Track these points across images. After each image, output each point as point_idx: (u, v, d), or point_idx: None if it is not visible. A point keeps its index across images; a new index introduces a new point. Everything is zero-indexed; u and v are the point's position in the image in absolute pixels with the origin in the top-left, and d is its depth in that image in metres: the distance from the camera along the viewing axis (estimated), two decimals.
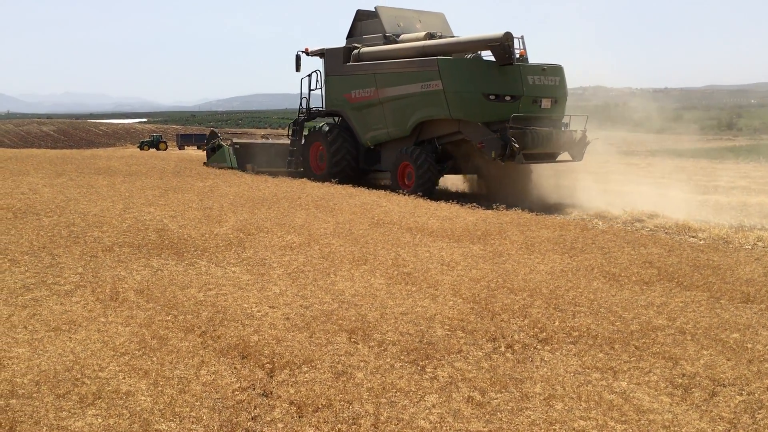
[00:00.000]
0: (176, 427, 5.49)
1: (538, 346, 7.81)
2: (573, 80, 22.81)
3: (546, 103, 21.04)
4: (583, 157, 22.01)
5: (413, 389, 6.43)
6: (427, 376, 6.79)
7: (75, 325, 7.79)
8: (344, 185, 22.42)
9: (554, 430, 5.61)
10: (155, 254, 11.68)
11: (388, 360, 7.17)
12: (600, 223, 17.97)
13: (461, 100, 20.66)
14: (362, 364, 6.99)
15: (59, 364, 6.49)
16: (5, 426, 5.40)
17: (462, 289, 9.83)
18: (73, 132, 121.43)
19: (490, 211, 17.67)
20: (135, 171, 25.85)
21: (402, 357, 7.29)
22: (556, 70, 21.65)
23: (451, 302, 9.19)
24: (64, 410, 5.66)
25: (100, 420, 5.48)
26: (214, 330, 7.84)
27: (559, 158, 22.08)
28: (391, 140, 22.85)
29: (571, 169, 23.55)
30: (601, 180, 24.65)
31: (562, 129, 21.59)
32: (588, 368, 7.10)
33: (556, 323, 8.44)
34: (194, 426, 5.59)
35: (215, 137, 31.12)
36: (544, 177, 23.40)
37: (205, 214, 15.52)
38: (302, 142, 25.89)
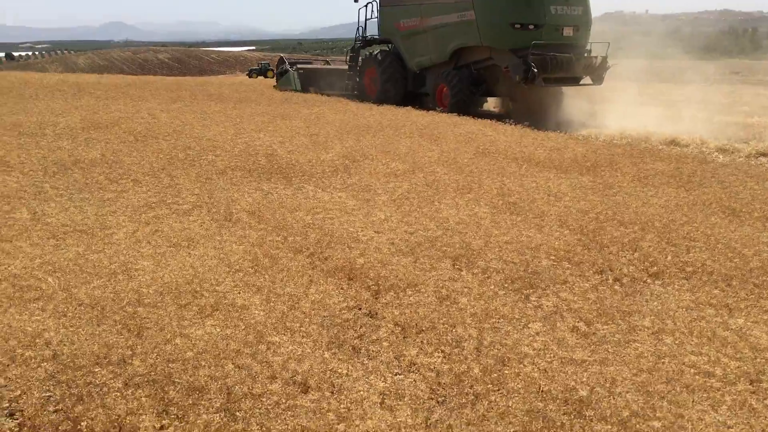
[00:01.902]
0: (287, 340, 5.76)
1: (648, 280, 7.59)
2: (610, 5, 24.46)
3: (568, 31, 22.48)
4: (603, 81, 23.40)
5: (517, 316, 6.43)
6: (531, 305, 6.76)
7: (193, 242, 8.22)
8: (449, 115, 22.19)
9: (663, 363, 5.49)
10: (265, 178, 12.06)
11: (492, 287, 7.18)
12: (720, 156, 16.99)
13: (491, 28, 22.63)
14: (466, 290, 7.04)
15: (180, 278, 6.90)
16: (134, 331, 5.84)
17: (569, 220, 9.62)
18: (186, 59, 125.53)
19: (600, 142, 17.06)
20: (245, 98, 26.55)
21: (506, 285, 7.28)
22: (579, 0, 22.91)
23: (558, 233, 9.03)
24: (186, 319, 6.04)
25: (218, 330, 5.82)
26: (322, 252, 8.07)
27: (582, 82, 23.77)
28: (434, 65, 25.11)
29: (610, 95, 23.94)
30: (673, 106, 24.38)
31: (584, 55, 23.31)
32: (701, 304, 6.85)
33: (669, 258, 8.15)
34: (304, 340, 5.84)
35: (283, 63, 33.77)
36: (583, 101, 23.77)
37: (312, 140, 15.80)
38: (358, 68, 28.92)
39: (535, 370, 5.32)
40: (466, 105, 23.41)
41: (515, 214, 10.03)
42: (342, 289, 7.07)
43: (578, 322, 6.32)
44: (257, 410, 4.72)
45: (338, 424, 4.58)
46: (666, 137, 19.29)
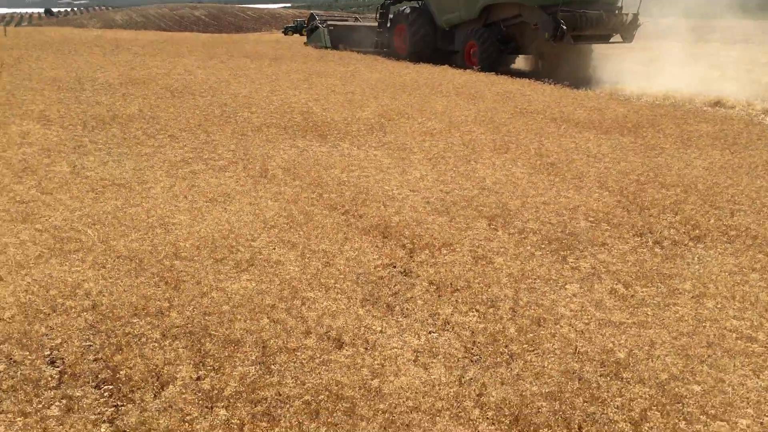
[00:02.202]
0: (322, 296, 5.76)
1: (690, 244, 7.42)
2: None
3: None
4: (633, 40, 23.07)
5: (554, 278, 6.34)
6: (568, 266, 6.66)
7: (229, 197, 8.25)
8: (487, 74, 21.81)
9: (704, 327, 5.37)
10: (300, 135, 12.02)
11: (528, 248, 7.09)
12: (767, 118, 16.43)
13: None
14: (502, 250, 6.96)
15: (216, 232, 6.94)
16: (171, 283, 5.90)
17: (609, 181, 9.43)
18: (222, 16, 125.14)
19: (642, 103, 16.63)
20: (280, 55, 26.42)
21: (542, 246, 7.18)
22: None
23: (597, 194, 8.86)
24: (222, 273, 6.08)
25: (253, 284, 5.85)
26: (357, 209, 8.04)
27: (612, 40, 23.59)
28: (463, 23, 25.05)
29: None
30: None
31: (615, 12, 22.81)
32: (745, 269, 6.67)
33: (712, 221, 7.94)
34: (339, 296, 5.84)
35: (314, 20, 33.93)
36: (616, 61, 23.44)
37: (348, 98, 15.68)
38: (388, 25, 29.00)
39: (572, 331, 5.26)
40: (495, 63, 23.37)
41: (553, 174, 9.86)
42: (377, 246, 7.05)
43: (617, 284, 6.21)
44: (292, 364, 4.75)
45: (372, 379, 4.59)
46: (711, 98, 18.72)
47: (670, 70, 21.62)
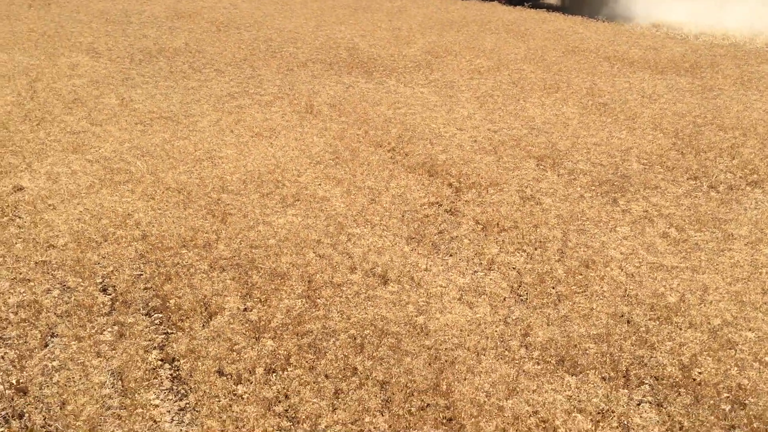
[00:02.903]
0: (368, 233, 5.75)
1: (747, 188, 7.16)
2: None
3: None
4: None
5: (604, 220, 6.20)
6: (619, 209, 6.50)
7: (275, 132, 8.21)
8: (537, 10, 21.08)
9: (760, 274, 5.21)
10: (346, 71, 11.85)
11: (578, 189, 6.93)
12: None
13: None
14: (551, 190, 6.82)
15: (262, 167, 6.93)
16: (218, 216, 5.95)
17: (664, 123, 9.10)
18: None
19: (700, 42, 15.91)
20: None
21: (593, 188, 7.01)
22: None
23: (651, 136, 8.57)
24: (268, 207, 6.09)
25: (299, 219, 5.85)
26: (403, 147, 7.94)
27: None
28: None
29: None
30: None
31: None
32: None
33: None
34: (384, 233, 5.81)
35: None
36: None
37: (394, 34, 15.34)
38: None
39: (622, 274, 5.15)
40: None
41: (605, 115, 9.56)
42: (423, 184, 6.97)
43: (669, 228, 6.05)
44: (338, 299, 4.77)
45: (417, 316, 4.59)
46: None
47: (731, 8, 20.56)
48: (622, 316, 4.69)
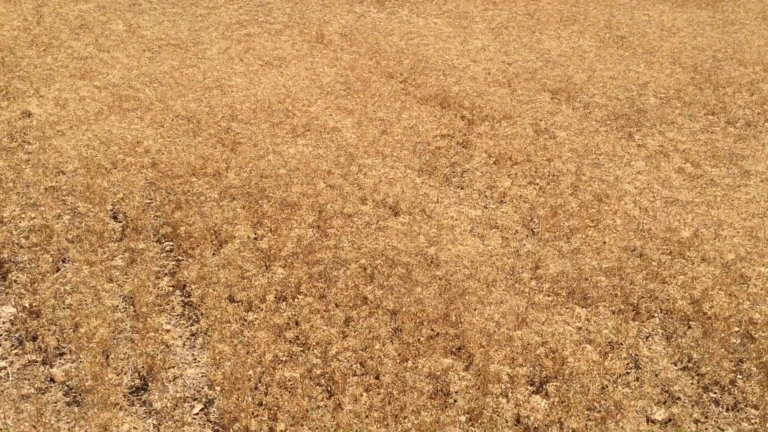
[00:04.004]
0: (380, 164, 5.68)
1: (766, 125, 7.01)
2: None
3: None
4: None
5: (619, 154, 6.11)
6: (634, 143, 6.39)
7: (285, 62, 8.06)
8: None
9: None
10: (358, 1, 11.56)
11: (593, 123, 6.81)
12: None
13: None
14: (565, 124, 6.70)
15: (272, 96, 6.82)
16: (228, 145, 5.88)
17: (682, 57, 8.88)
18: None
19: None
20: None
21: (608, 122, 6.88)
22: None
23: (669, 70, 8.37)
24: (278, 137, 6.02)
25: (310, 149, 5.78)
26: (415, 78, 7.79)
27: None
28: None
29: None
30: None
31: None
32: None
33: None
34: (396, 164, 5.75)
35: None
36: None
37: None
38: None
39: (636, 208, 5.09)
40: None
41: (623, 48, 9.33)
42: (435, 116, 6.86)
43: (685, 163, 5.96)
44: (348, 229, 4.74)
45: (428, 247, 4.56)
46: None
47: None
48: (635, 249, 4.65)
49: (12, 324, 4.08)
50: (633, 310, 4.20)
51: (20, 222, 4.78)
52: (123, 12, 9.75)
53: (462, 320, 3.92)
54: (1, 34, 8.37)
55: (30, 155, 5.68)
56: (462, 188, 5.69)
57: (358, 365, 3.58)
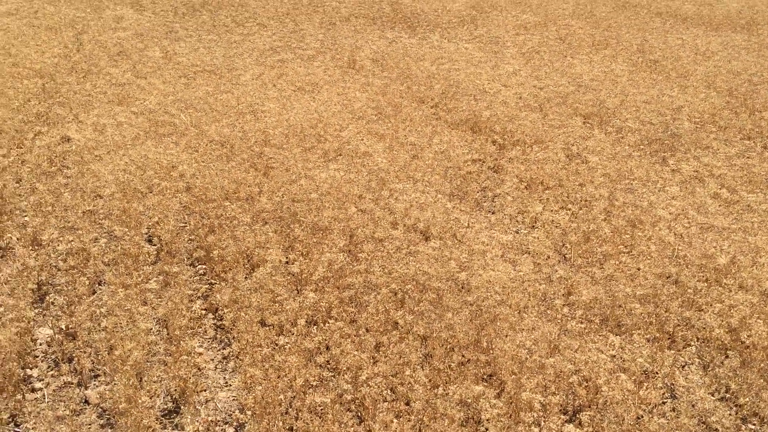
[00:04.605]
0: (411, 188, 5.69)
1: None
2: None
3: None
4: None
5: (653, 179, 6.04)
6: (668, 168, 6.33)
7: (317, 87, 8.16)
8: None
9: None
10: (389, 26, 11.68)
11: (626, 148, 6.75)
12: None
13: None
14: (597, 148, 6.66)
15: (305, 121, 6.90)
16: (260, 169, 5.95)
17: (717, 81, 8.78)
18: None
19: None
20: None
21: (642, 146, 6.82)
22: None
23: (703, 94, 8.29)
24: (310, 162, 6.08)
25: (341, 174, 5.82)
26: (446, 103, 7.82)
27: None
28: None
29: None
30: None
31: None
32: None
33: None
34: (427, 189, 5.76)
35: None
36: None
37: None
38: None
39: (670, 234, 5.03)
40: None
41: (656, 72, 9.27)
42: (466, 141, 6.87)
43: (721, 188, 5.87)
44: (379, 253, 4.75)
45: (459, 272, 4.55)
46: None
47: None
48: (670, 276, 4.58)
49: (49, 345, 4.15)
50: (669, 339, 4.13)
51: (58, 245, 4.88)
52: (160, 39, 9.98)
53: (493, 347, 3.89)
54: (43, 61, 8.61)
55: (69, 179, 5.81)
56: (493, 213, 5.68)
57: (389, 391, 3.56)
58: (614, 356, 3.90)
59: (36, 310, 4.39)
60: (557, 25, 11.91)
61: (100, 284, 4.65)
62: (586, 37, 11.09)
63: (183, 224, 5.29)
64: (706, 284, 4.45)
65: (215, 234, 5.01)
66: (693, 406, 3.59)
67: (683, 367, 3.96)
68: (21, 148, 6.38)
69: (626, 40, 10.86)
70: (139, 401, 3.52)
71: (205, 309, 4.54)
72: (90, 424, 3.60)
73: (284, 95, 7.73)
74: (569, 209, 5.57)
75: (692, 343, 4.12)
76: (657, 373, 3.79)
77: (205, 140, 6.43)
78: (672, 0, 14.34)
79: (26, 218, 5.27)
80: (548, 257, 4.89)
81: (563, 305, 4.31)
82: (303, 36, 10.63)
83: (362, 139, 6.64)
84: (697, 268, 4.64)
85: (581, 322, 4.15)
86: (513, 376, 3.67)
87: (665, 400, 3.66)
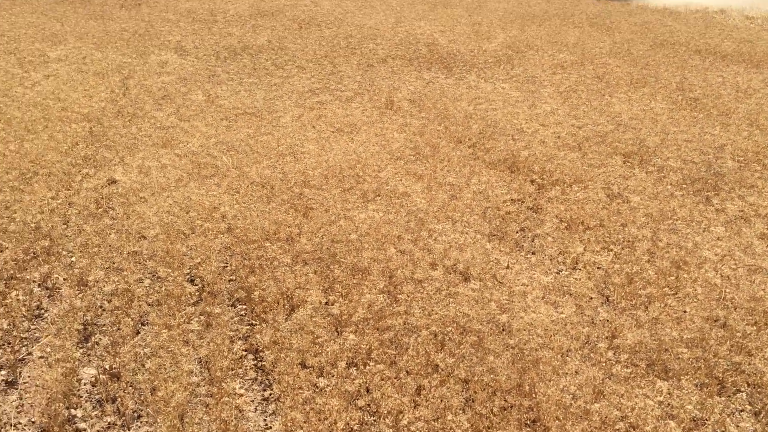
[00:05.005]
0: (449, 229, 5.69)
1: None
2: None
3: None
4: None
5: (697, 219, 5.94)
6: (712, 208, 6.22)
7: (355, 128, 8.26)
8: (623, 3, 20.47)
9: None
10: (426, 67, 11.81)
11: (668, 187, 6.67)
12: None
13: None
14: (639, 188, 6.59)
15: (344, 162, 6.97)
16: (300, 210, 6.02)
17: (760, 119, 8.66)
18: None
19: None
20: None
21: (684, 186, 6.73)
22: None
23: (746, 132, 8.17)
24: (349, 202, 6.12)
25: (380, 214, 5.85)
26: (484, 142, 7.84)
27: None
28: None
29: None
30: None
31: None
32: None
33: None
34: (466, 230, 5.75)
35: None
36: None
37: (474, 29, 15.20)
38: None
39: (717, 276, 4.92)
40: None
41: (697, 110, 9.18)
42: (505, 181, 6.86)
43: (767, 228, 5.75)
44: (419, 294, 4.74)
45: (500, 314, 4.51)
46: None
47: None
48: (718, 320, 4.47)
49: (93, 386, 4.20)
50: (718, 384, 4.01)
51: (104, 286, 4.97)
52: (203, 83, 10.24)
53: (536, 391, 3.82)
54: (90, 106, 8.89)
55: (114, 221, 5.94)
56: (533, 253, 5.63)
57: None
58: (662, 402, 3.80)
59: (81, 350, 4.46)
60: (594, 63, 11.92)
61: (143, 324, 4.71)
62: (624, 75, 11.07)
63: (224, 265, 5.35)
64: (755, 328, 4.33)
65: (256, 275, 5.06)
66: None
67: (734, 414, 3.84)
68: (69, 189, 6.56)
69: (665, 78, 10.80)
70: None
71: (246, 350, 4.56)
72: None
73: (323, 136, 7.83)
74: (611, 250, 5.50)
75: (743, 389, 4.00)
76: (707, 420, 3.68)
77: (246, 181, 6.53)
78: (710, 38, 14.27)
79: (73, 259, 5.39)
80: (590, 299, 4.82)
81: (607, 349, 4.23)
82: (341, 78, 10.80)
83: (401, 180, 6.68)
84: (745, 311, 4.52)
85: (627, 367, 4.07)
86: (557, 422, 3.60)
87: None
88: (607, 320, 4.54)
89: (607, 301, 4.95)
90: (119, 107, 8.96)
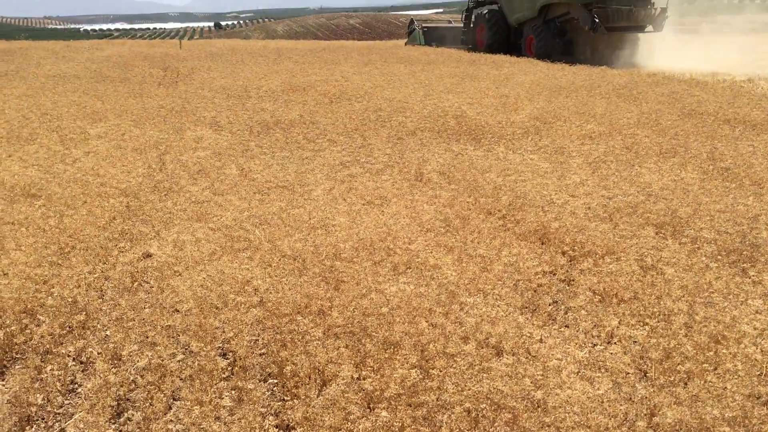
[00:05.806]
0: (481, 302, 5.66)
1: None
2: None
3: None
4: (662, 29, 27.03)
5: (734, 292, 5.84)
6: (749, 280, 6.11)
7: (386, 200, 8.35)
8: (650, 74, 20.72)
9: None
10: (455, 139, 11.98)
11: (703, 259, 6.58)
12: None
13: None
14: (673, 260, 6.51)
15: (374, 235, 7.03)
16: (332, 283, 6.05)
17: None
18: (375, 24, 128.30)
19: None
20: (432, 60, 26.56)
21: (719, 257, 6.64)
22: None
23: None
24: (380, 275, 6.14)
25: (411, 287, 5.86)
26: (514, 214, 7.86)
27: (647, 30, 27.20)
28: (527, 20, 29.85)
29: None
30: None
31: (645, 6, 26.62)
32: None
33: None
34: (497, 303, 5.71)
35: (413, 24, 39.52)
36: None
37: (501, 101, 15.45)
38: (471, 24, 34.47)
39: (757, 351, 4.80)
40: (550, 52, 27.56)
41: (729, 180, 9.13)
42: (536, 253, 6.84)
43: None
44: (451, 369, 4.69)
45: (535, 391, 4.43)
46: None
47: None
48: (760, 397, 4.34)
49: None
50: None
51: (138, 360, 5.01)
52: (236, 157, 10.50)
53: None
54: (128, 181, 9.15)
55: (149, 295, 6.02)
56: (567, 327, 5.56)
57: None
58: None
59: (113, 426, 4.46)
60: (622, 134, 11.98)
61: (175, 400, 4.71)
62: (653, 145, 11.10)
63: (256, 338, 5.37)
64: None
65: (287, 349, 5.06)
66: None
67: None
68: (105, 264, 6.69)
69: (695, 148, 10.80)
70: None
71: (277, 426, 4.52)
72: None
73: (354, 209, 7.93)
74: (647, 323, 5.41)
75: None
76: None
77: (278, 255, 6.61)
78: (739, 107, 14.30)
79: (108, 333, 5.45)
80: (627, 375, 4.72)
81: (647, 427, 4.12)
82: (371, 150, 10.99)
83: (431, 252, 6.70)
84: None
85: None
86: None
87: None
88: (646, 397, 4.43)
89: (645, 376, 4.84)
90: (155, 182, 9.20)
